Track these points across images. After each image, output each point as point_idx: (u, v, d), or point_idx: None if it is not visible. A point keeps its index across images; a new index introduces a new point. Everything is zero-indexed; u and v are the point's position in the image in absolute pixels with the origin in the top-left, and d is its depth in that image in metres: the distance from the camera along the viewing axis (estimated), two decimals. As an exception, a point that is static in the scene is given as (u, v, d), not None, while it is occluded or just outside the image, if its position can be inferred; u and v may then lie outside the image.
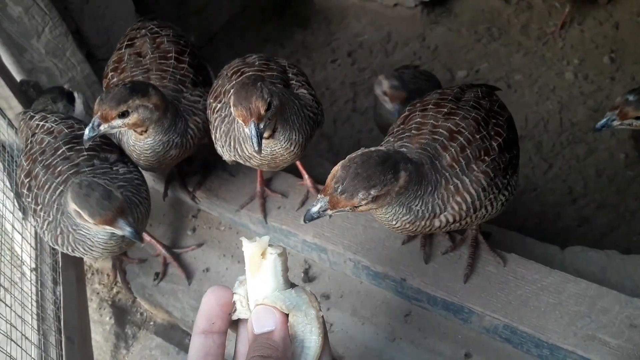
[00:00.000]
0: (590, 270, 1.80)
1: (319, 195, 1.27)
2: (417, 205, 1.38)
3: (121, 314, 2.31)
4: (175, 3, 3.41)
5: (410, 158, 1.33)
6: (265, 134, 1.57)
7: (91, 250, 1.69)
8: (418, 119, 1.51)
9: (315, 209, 1.27)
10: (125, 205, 1.52)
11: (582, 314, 1.58)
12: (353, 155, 1.26)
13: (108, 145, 1.86)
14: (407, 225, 1.42)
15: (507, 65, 3.27)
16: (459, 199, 1.41)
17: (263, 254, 0.84)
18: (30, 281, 1.97)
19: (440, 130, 1.45)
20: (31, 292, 1.94)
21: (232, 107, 1.50)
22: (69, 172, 1.70)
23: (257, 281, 0.84)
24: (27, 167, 1.78)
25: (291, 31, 3.92)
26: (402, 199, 1.35)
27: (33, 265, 2.05)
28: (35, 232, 2.14)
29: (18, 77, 2.33)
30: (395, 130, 1.56)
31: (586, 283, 1.64)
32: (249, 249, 0.86)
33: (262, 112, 1.47)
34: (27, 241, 2.05)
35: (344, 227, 1.96)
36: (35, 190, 1.72)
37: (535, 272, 1.70)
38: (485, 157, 1.44)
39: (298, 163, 2.02)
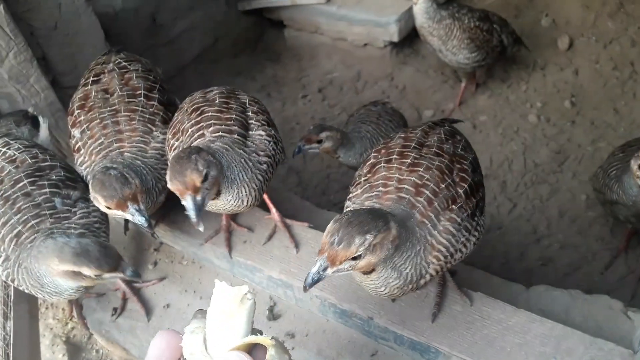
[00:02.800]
0: (555, 310, 1.80)
1: (316, 258, 1.26)
2: (407, 269, 1.38)
3: (76, 351, 2.20)
4: (146, 33, 3.39)
5: (396, 216, 1.35)
6: (211, 197, 1.59)
7: (57, 295, 1.64)
8: (383, 172, 1.52)
9: (314, 269, 1.25)
10: (117, 254, 1.56)
11: (547, 355, 1.58)
12: (343, 213, 1.28)
13: (72, 180, 1.80)
14: (396, 291, 1.42)
15: (472, 107, 3.35)
16: (435, 253, 1.42)
17: (240, 302, 0.82)
18: (-22, 316, 1.87)
19: (406, 186, 1.46)
20: (-21, 328, 1.84)
21: (168, 182, 1.52)
22: (29, 213, 1.66)
23: (226, 326, 0.80)
24: None
25: (263, 65, 3.95)
26: (396, 258, 1.35)
27: (-19, 299, 1.95)
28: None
29: (-22, 102, 2.26)
30: (362, 180, 1.56)
31: (551, 323, 1.64)
32: (226, 293, 0.82)
33: (198, 184, 1.49)
34: (-24, 274, 1.95)
35: (311, 262, 1.91)
36: None
37: (501, 312, 1.70)
38: (453, 206, 1.46)
39: (265, 197, 2.00)
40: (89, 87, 2.01)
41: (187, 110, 1.80)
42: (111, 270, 1.52)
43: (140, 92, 1.97)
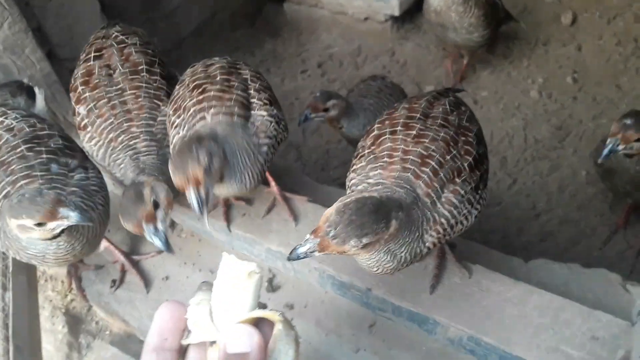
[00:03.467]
0: (554, 283, 1.80)
1: (308, 236, 1.25)
2: (402, 253, 1.37)
3: (75, 323, 2.21)
4: (143, 6, 3.34)
5: (402, 205, 1.33)
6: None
7: (44, 260, 1.62)
8: (388, 144, 1.50)
9: (303, 249, 1.24)
10: (59, 198, 1.49)
11: (545, 326, 1.58)
12: (347, 200, 1.25)
13: (70, 149, 1.78)
14: (389, 271, 1.42)
15: (474, 82, 3.31)
16: (437, 227, 1.41)
17: (247, 276, 0.81)
18: (-23, 287, 1.87)
19: (412, 157, 1.44)
20: (-22, 299, 1.85)
21: (171, 176, 1.50)
22: (20, 173, 1.62)
23: (232, 300, 0.80)
24: None
25: (262, 40, 3.90)
26: (390, 246, 1.34)
27: (-20, 271, 1.95)
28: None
29: (-27, 73, 2.23)
30: (366, 152, 1.54)
31: (550, 295, 1.64)
32: (233, 266, 0.81)
33: (200, 177, 1.47)
34: (-26, 245, 1.94)
35: (310, 235, 1.92)
36: None
37: (499, 284, 1.70)
38: (457, 179, 1.45)
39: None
40: (92, 62, 1.98)
41: (188, 85, 1.78)
42: (48, 218, 1.45)
43: (142, 67, 1.95)
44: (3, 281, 2.00)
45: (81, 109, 1.91)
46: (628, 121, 1.81)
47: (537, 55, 3.38)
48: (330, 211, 1.24)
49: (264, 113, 1.74)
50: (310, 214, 1.99)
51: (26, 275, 2.10)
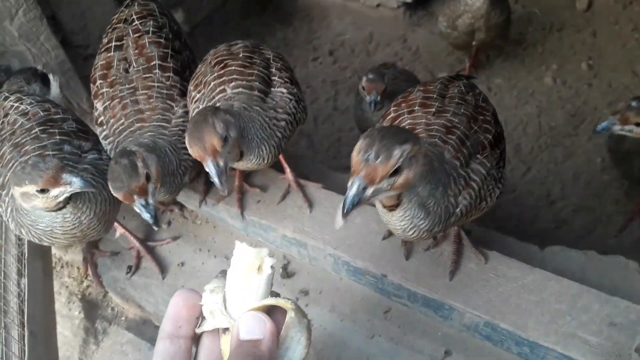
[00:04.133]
0: (570, 270, 1.80)
1: (349, 181, 1.14)
2: (433, 207, 1.32)
3: (91, 309, 2.23)
4: (155, -7, 3.33)
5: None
6: (233, 160, 1.56)
7: (53, 236, 1.62)
8: (409, 121, 1.48)
9: (352, 191, 1.12)
10: (62, 164, 1.48)
11: (563, 312, 1.58)
12: (368, 130, 1.18)
13: (84, 132, 1.79)
14: (424, 234, 1.37)
15: (487, 69, 3.28)
16: (470, 190, 1.39)
17: (260, 264, 0.81)
18: (-8, 273, 1.88)
19: (436, 127, 1.42)
20: (-7, 285, 1.86)
21: (188, 148, 1.48)
22: (33, 153, 1.63)
23: (245, 287, 0.80)
24: None
25: (273, 27, 3.87)
26: (421, 190, 1.27)
27: (-4, 256, 1.96)
28: (0, 222, 2.05)
29: (-12, 61, 2.24)
30: None
31: (567, 281, 1.64)
32: (246, 254, 0.81)
33: (218, 148, 1.44)
34: (-11, 231, 1.97)
35: (325, 222, 1.93)
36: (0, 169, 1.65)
37: (516, 270, 1.70)
38: (479, 155, 1.44)
39: (281, 157, 1.98)
40: (112, 53, 1.97)
41: (210, 62, 1.78)
42: (50, 184, 1.44)
43: (154, 62, 1.93)
44: (19, 267, 2.02)
45: (98, 105, 1.92)
46: (634, 103, 1.78)
47: (552, 41, 3.33)
48: (358, 143, 1.16)
49: (284, 90, 1.74)
50: (325, 201, 1.99)
51: (41, 262, 2.12)
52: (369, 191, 1.13)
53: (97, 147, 1.77)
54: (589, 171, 2.67)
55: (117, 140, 1.83)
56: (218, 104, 1.64)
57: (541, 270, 1.68)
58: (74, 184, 1.46)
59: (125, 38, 1.98)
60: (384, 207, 1.34)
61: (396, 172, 1.14)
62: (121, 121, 1.84)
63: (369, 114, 2.18)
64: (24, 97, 1.82)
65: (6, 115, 1.77)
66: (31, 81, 2.11)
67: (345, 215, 1.14)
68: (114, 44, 1.98)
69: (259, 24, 3.90)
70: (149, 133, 1.79)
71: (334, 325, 1.85)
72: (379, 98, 2.10)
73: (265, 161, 1.66)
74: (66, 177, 1.45)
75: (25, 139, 1.67)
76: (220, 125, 1.45)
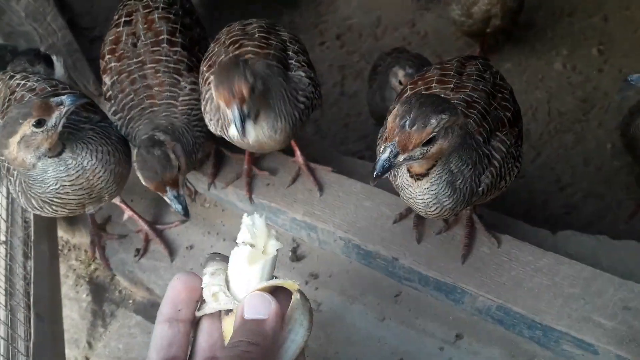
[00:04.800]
0: (582, 254, 1.78)
1: (382, 145, 1.14)
2: (460, 184, 1.30)
3: (99, 291, 2.22)
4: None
5: None
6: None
7: (62, 195, 1.60)
8: None
9: (384, 155, 1.12)
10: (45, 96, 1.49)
11: (576, 296, 1.57)
12: (407, 96, 1.18)
13: (92, 106, 1.79)
14: (446, 212, 1.35)
15: (496, 54, 3.24)
16: (492, 168, 1.37)
17: (265, 245, 0.79)
18: (-1, 255, 1.87)
19: (455, 101, 1.40)
20: (0, 266, 1.85)
21: (213, 90, 1.44)
22: None
23: (250, 270, 0.78)
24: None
25: (279, 11, 3.83)
26: (452, 165, 1.26)
27: (3, 238, 1.95)
28: (7, 203, 2.04)
29: (-5, 41, 2.22)
30: None
31: (580, 265, 1.63)
32: (252, 233, 0.80)
33: (246, 94, 1.41)
34: (-4, 212, 1.95)
35: (335, 205, 1.91)
36: None
37: (529, 254, 1.68)
38: (498, 133, 1.43)
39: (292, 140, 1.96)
40: (120, 28, 1.95)
41: (224, 42, 1.74)
42: (43, 111, 1.42)
43: (163, 37, 1.90)
44: (25, 249, 2.01)
45: (107, 79, 1.90)
46: None
47: (562, 26, 3.29)
48: (395, 108, 1.16)
49: (302, 74, 1.71)
50: (335, 184, 1.97)
51: (48, 244, 2.11)
52: (401, 157, 1.13)
53: (105, 122, 1.77)
54: (599, 157, 2.65)
55: (127, 116, 1.81)
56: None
57: (554, 254, 1.67)
58: (65, 101, 1.46)
59: (134, 14, 1.96)
60: (411, 176, 1.31)
61: (430, 141, 1.14)
62: (130, 96, 1.82)
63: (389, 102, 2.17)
64: (30, 75, 1.81)
65: (13, 92, 1.75)
66: (35, 63, 2.09)
67: (375, 178, 1.14)
68: (123, 19, 1.96)
69: (265, 8, 3.86)
70: (164, 114, 1.78)
71: (344, 308, 1.84)
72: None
73: (276, 134, 1.60)
74: (55, 99, 1.46)
75: None
76: (250, 73, 1.42)
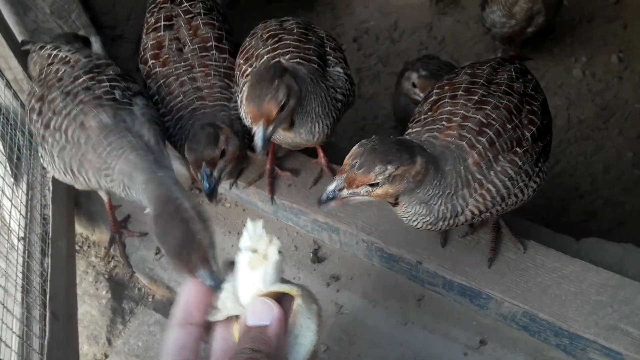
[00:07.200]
0: (607, 262, 1.77)
1: (336, 177, 1.26)
2: (437, 205, 1.35)
3: (118, 289, 2.23)
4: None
5: (427, 151, 1.31)
6: (282, 127, 1.54)
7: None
8: (448, 108, 1.46)
9: (331, 187, 1.27)
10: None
11: (604, 304, 1.56)
12: (369, 138, 1.26)
13: (129, 75, 1.82)
14: (429, 227, 1.41)
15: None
16: (482, 191, 1.38)
17: (265, 252, 0.80)
18: (17, 251, 1.86)
19: (470, 125, 1.40)
20: (17, 263, 1.84)
21: (244, 99, 1.48)
22: (90, 104, 1.63)
23: (253, 276, 0.78)
24: (40, 92, 1.71)
25: (295, 14, 3.83)
26: (420, 195, 1.32)
27: (21, 235, 1.94)
28: (26, 200, 2.04)
29: (20, 37, 2.22)
30: (422, 117, 1.50)
31: (607, 273, 1.62)
32: (251, 241, 0.80)
33: (274, 114, 1.43)
34: (16, 208, 1.95)
35: (358, 208, 1.91)
36: (48, 114, 1.65)
37: (555, 260, 1.67)
38: (517, 149, 1.41)
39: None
40: (162, 33, 1.94)
41: (261, 36, 1.74)
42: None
43: (210, 43, 1.91)
44: (42, 247, 2.00)
45: (152, 84, 1.91)
46: None
47: (581, 32, 3.28)
48: (353, 149, 1.25)
49: (340, 70, 1.71)
50: (357, 187, 1.96)
51: (66, 242, 2.10)
52: (345, 192, 1.25)
53: (143, 92, 1.79)
54: (619, 165, 2.64)
55: (175, 116, 1.82)
56: (285, 64, 1.59)
57: (580, 261, 1.66)
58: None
59: (175, 18, 1.96)
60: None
61: (375, 184, 1.23)
62: (179, 98, 1.83)
63: (412, 106, 2.17)
64: (61, 46, 1.85)
65: (50, 64, 1.77)
66: (72, 41, 2.09)
67: (319, 204, 1.27)
68: (162, 23, 1.95)
69: (282, 10, 3.83)
70: (222, 112, 1.79)
71: (366, 311, 1.84)
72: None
73: (315, 138, 1.61)
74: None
75: (77, 89, 1.67)
76: (283, 91, 1.43)
